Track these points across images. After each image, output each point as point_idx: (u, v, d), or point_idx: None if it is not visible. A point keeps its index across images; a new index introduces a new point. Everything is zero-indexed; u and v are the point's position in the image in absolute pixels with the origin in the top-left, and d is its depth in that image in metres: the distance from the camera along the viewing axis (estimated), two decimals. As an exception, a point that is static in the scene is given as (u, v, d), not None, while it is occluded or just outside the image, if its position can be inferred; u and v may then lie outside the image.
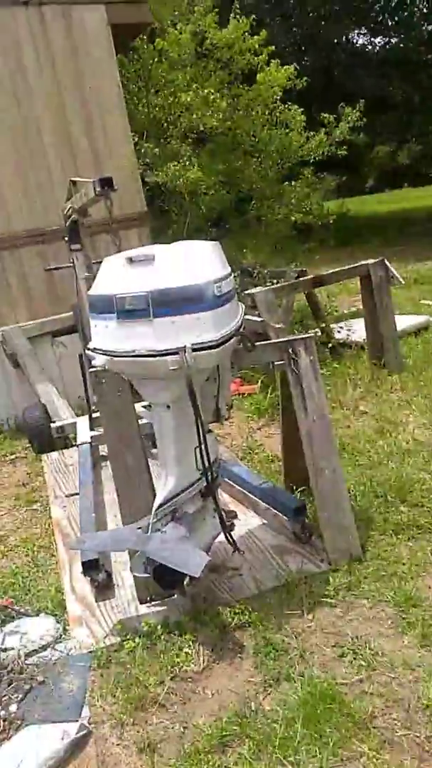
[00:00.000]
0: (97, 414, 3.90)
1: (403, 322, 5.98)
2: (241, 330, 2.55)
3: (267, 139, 7.68)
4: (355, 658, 2.24)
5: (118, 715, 2.13)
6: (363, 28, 20.87)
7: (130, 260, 2.35)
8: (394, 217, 19.60)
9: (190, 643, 2.38)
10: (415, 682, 2.12)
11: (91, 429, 4.34)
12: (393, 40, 20.55)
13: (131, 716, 2.11)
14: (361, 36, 21.67)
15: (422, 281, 8.74)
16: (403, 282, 6.43)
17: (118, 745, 2.03)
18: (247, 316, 4.19)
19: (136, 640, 2.42)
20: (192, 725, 2.05)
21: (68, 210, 4.17)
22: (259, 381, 5.06)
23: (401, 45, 19.81)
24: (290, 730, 1.96)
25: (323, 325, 5.79)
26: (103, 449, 4.01)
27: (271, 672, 2.21)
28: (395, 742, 1.92)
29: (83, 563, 2.74)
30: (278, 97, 7.79)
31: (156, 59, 8.52)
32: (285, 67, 8.04)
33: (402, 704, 2.04)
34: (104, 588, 2.78)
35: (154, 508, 2.48)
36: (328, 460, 2.79)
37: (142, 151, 6.74)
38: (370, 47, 21.70)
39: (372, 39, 21.70)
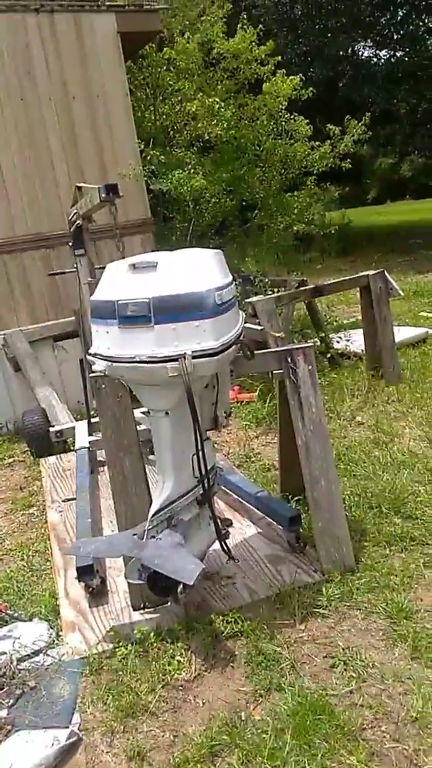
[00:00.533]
0: (96, 419, 3.89)
1: (402, 333, 5.99)
2: (241, 338, 2.55)
3: (271, 149, 7.70)
4: (346, 669, 2.24)
5: (108, 722, 2.12)
6: (369, 41, 20.99)
7: (133, 266, 2.36)
8: (396, 228, 19.66)
9: (182, 651, 2.38)
10: (405, 694, 2.12)
11: (90, 434, 4.34)
12: (398, 54, 20.66)
13: (122, 724, 2.11)
14: (367, 48, 21.80)
15: (422, 293, 8.75)
16: (402, 294, 6.44)
17: (107, 752, 2.02)
18: (247, 325, 4.21)
19: (129, 647, 2.41)
20: (182, 734, 2.05)
21: (73, 215, 4.19)
22: (258, 389, 5.06)
23: (406, 59, 19.92)
24: (280, 741, 1.96)
25: (322, 334, 5.80)
26: (102, 454, 4.01)
27: (262, 682, 2.21)
28: (383, 754, 1.92)
29: (78, 569, 2.74)
30: (283, 107, 7.82)
31: (164, 68, 8.57)
32: (291, 77, 8.07)
33: (391, 717, 2.04)
34: (98, 594, 2.78)
35: (149, 515, 2.48)
36: (324, 470, 2.79)
37: (148, 158, 6.76)
38: (375, 60, 21.83)
39: (377, 52, 21.85)
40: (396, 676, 2.18)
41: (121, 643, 2.45)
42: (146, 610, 2.63)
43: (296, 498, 3.20)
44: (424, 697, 2.07)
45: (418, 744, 1.94)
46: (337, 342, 5.87)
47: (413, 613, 2.47)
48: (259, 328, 4.71)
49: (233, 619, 2.49)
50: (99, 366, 2.46)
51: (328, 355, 5.64)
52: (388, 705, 2.08)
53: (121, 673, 2.31)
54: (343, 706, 2.09)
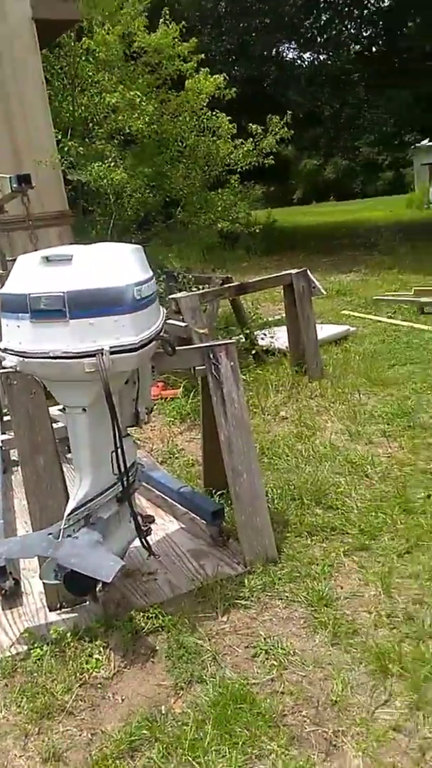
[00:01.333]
0: (9, 417, 3.79)
1: (325, 331, 6.20)
2: (162, 334, 2.57)
3: (194, 145, 7.78)
4: (267, 658, 2.30)
5: (22, 725, 2.08)
6: (293, 42, 21.58)
7: (47, 259, 2.33)
8: (320, 229, 20.27)
9: (101, 649, 2.36)
10: (325, 679, 2.19)
11: (3, 432, 4.22)
12: (322, 57, 21.36)
13: (36, 725, 2.07)
14: (291, 50, 22.42)
15: (344, 292, 9.08)
16: (325, 293, 6.67)
17: (21, 756, 1.98)
18: (171, 321, 4.24)
19: (44, 647, 2.37)
20: (100, 731, 2.03)
21: (-17, 205, 4.07)
22: (182, 385, 5.09)
23: (329, 62, 20.63)
24: (200, 732, 1.98)
25: (247, 331, 5.91)
26: (15, 453, 3.91)
27: (183, 675, 2.23)
28: (304, 738, 1.98)
29: (-10, 571, 2.67)
30: (205, 104, 7.92)
31: (83, 58, 8.46)
32: (214, 76, 8.19)
33: (311, 702, 2.10)
34: (12, 596, 2.71)
35: (66, 514, 2.45)
36: (247, 464, 2.85)
37: (66, 149, 6.66)
38: (299, 62, 22.47)
39: (301, 54, 22.49)
40: (316, 663, 2.26)
41: (36, 644, 2.40)
42: (63, 610, 2.59)
43: (219, 492, 3.24)
44: (343, 682, 2.15)
45: (337, 726, 2.01)
46: (262, 339, 6.00)
47: (333, 600, 2.56)
48: (183, 324, 4.75)
49: (154, 615, 2.50)
50: (10, 362, 2.40)
51: (253, 352, 5.75)
52: (309, 690, 2.15)
53: (35, 674, 2.27)
54: (264, 693, 2.14)
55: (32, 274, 2.34)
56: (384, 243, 13.90)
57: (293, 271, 5.50)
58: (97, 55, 7.99)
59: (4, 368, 2.45)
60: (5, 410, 4.04)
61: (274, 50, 21.52)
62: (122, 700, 2.16)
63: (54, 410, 2.59)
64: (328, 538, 3.00)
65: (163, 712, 2.08)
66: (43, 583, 2.52)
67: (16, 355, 2.36)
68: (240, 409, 2.85)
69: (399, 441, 4.00)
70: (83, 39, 8.08)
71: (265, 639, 2.38)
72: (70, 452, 2.69)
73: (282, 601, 2.59)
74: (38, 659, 2.33)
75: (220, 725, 2.00)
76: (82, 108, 8.28)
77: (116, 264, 2.32)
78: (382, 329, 6.81)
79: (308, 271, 5.57)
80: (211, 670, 2.24)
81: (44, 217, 5.73)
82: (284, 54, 22.64)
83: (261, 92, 18.91)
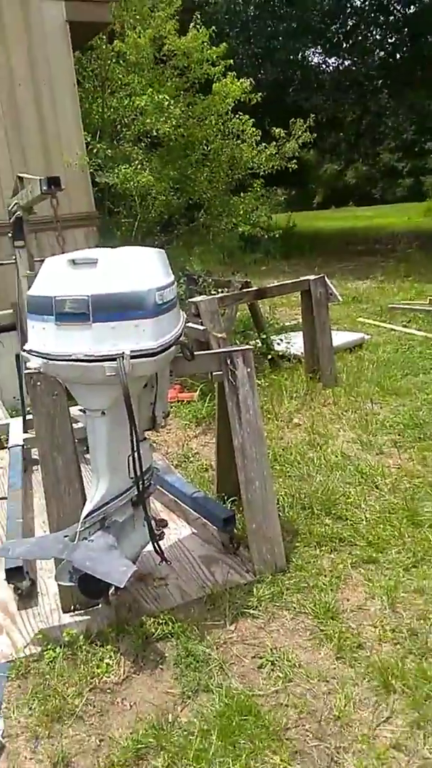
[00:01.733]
0: (31, 416, 3.80)
1: (340, 338, 6.13)
2: (182, 339, 2.54)
3: (219, 149, 7.71)
4: (273, 670, 2.27)
5: (33, 727, 2.07)
6: (318, 47, 21.31)
7: (73, 262, 2.31)
8: (338, 234, 20.09)
9: (112, 653, 2.35)
10: (329, 693, 2.16)
11: (25, 431, 4.22)
12: (346, 62, 21.07)
13: (47, 729, 2.06)
14: (317, 55, 22.12)
15: (360, 299, 8.97)
16: (341, 300, 6.60)
17: (31, 759, 1.97)
18: (189, 324, 4.20)
19: (57, 649, 2.36)
20: (108, 737, 2.02)
21: (13, 206, 4.06)
22: (199, 389, 5.06)
23: (353, 68, 20.35)
24: (206, 742, 1.96)
25: (264, 336, 5.86)
26: (35, 452, 3.91)
27: (190, 683, 2.21)
28: (306, 752, 1.95)
29: (7, 570, 2.66)
30: (230, 108, 7.85)
31: (114, 60, 8.41)
32: (241, 80, 8.09)
33: (315, 716, 2.08)
34: (27, 596, 2.71)
35: (82, 516, 2.44)
36: (259, 472, 2.81)
37: (95, 151, 6.63)
38: (324, 67, 22.19)
39: (326, 59, 22.19)
40: (321, 676, 2.23)
41: (49, 646, 2.39)
42: (76, 612, 2.58)
43: (232, 499, 3.21)
44: (346, 696, 2.12)
45: (339, 741, 1.98)
46: (278, 344, 5.95)
47: (339, 613, 2.53)
48: (202, 328, 4.71)
49: (164, 621, 2.48)
50: (34, 363, 2.40)
51: (269, 357, 5.70)
52: (312, 704, 2.12)
53: (48, 676, 2.26)
54: (268, 706, 2.12)
55: (59, 277, 2.33)
56: (401, 250, 13.73)
57: (311, 278, 5.43)
58: (127, 57, 7.94)
59: (29, 369, 2.44)
60: (28, 409, 4.04)
61: (300, 54, 21.29)
62: (130, 706, 2.15)
63: (74, 410, 2.58)
64: (337, 549, 2.96)
65: (170, 720, 2.06)
66: (58, 585, 2.51)
67: (41, 356, 2.36)
68: (254, 416, 2.81)
69: (409, 452, 3.94)
70: (115, 42, 8.03)
71: (271, 650, 2.36)
72: (88, 452, 2.67)
73: (289, 612, 2.56)
74: (51, 661, 2.33)
75: (224, 736, 1.98)
76: (112, 110, 8.23)
77: (139, 268, 2.30)
78: (396, 338, 6.72)
79: (326, 278, 5.50)
80: (218, 679, 2.22)
81: (71, 219, 5.71)
82: (309, 59, 22.39)
83: (285, 97, 18.73)
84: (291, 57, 20.22)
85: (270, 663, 2.30)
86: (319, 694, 2.16)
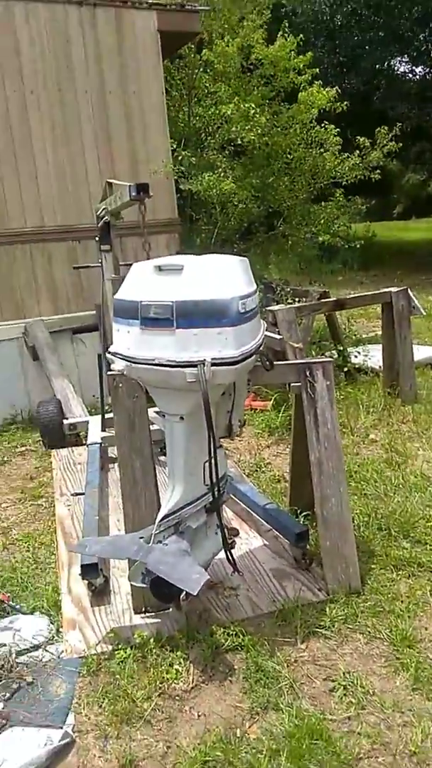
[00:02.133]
0: (110, 415, 3.87)
1: (421, 352, 5.92)
2: (261, 348, 2.52)
3: (302, 158, 7.66)
4: (345, 694, 2.19)
5: (102, 726, 2.09)
6: (405, 56, 20.83)
7: (159, 268, 2.34)
8: (419, 245, 19.50)
9: (181, 660, 2.34)
10: (404, 726, 2.06)
11: (103, 429, 4.31)
12: (435, 70, 20.48)
13: (116, 729, 2.07)
14: (403, 63, 21.64)
15: (443, 313, 8.65)
16: (425, 313, 6.37)
17: (100, 757, 1.99)
18: (266, 333, 4.17)
19: (128, 650, 2.38)
20: (176, 745, 2.01)
21: (101, 211, 4.17)
22: (273, 398, 5.01)
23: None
24: (274, 762, 1.92)
25: (341, 348, 5.75)
26: (113, 451, 3.99)
27: (259, 699, 2.17)
28: (379, 786, 1.88)
29: (82, 566, 2.71)
30: (314, 117, 7.78)
31: (201, 69, 8.54)
32: (327, 89, 8.01)
33: (389, 748, 1.99)
34: (101, 593, 2.75)
35: (158, 519, 2.45)
36: (336, 488, 2.74)
37: (179, 158, 6.73)
38: (411, 75, 21.67)
39: (413, 68, 21.66)
40: (396, 706, 2.13)
41: (120, 646, 2.41)
42: (147, 614, 2.59)
43: (305, 513, 3.15)
44: (423, 731, 2.02)
45: (415, 778, 1.89)
46: (355, 356, 5.82)
47: (417, 641, 2.42)
48: (279, 337, 4.67)
49: (234, 632, 2.45)
50: (118, 365, 2.44)
51: (345, 369, 5.58)
52: (387, 736, 2.03)
53: (118, 676, 2.27)
54: (340, 732, 2.04)
55: (145, 282, 2.36)
56: None
57: (393, 289, 5.28)
58: (215, 66, 8.03)
59: (112, 371, 2.48)
60: (107, 408, 4.13)
61: (386, 63, 20.88)
62: (198, 716, 2.12)
63: (151, 412, 2.60)
64: (415, 574, 2.84)
65: (238, 735, 2.03)
66: (131, 585, 2.53)
67: (124, 359, 2.39)
68: (332, 431, 2.75)
69: None
70: (203, 50, 8.14)
71: (344, 674, 2.28)
72: (162, 455, 2.68)
73: (363, 636, 2.47)
74: (121, 661, 2.34)
75: (294, 758, 1.93)
76: (197, 118, 8.35)
77: (224, 276, 2.29)
78: None
79: (408, 290, 5.34)
80: (288, 698, 2.17)
81: (155, 224, 5.81)
82: (395, 67, 21.92)
83: (369, 106, 18.41)
84: (377, 66, 19.89)
85: (342, 687, 2.22)
86: (394, 726, 2.07)
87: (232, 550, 2.65)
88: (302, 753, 1.94)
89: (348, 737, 2.02)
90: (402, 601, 2.65)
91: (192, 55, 8.71)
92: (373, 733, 2.04)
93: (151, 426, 2.62)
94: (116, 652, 2.39)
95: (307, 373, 2.73)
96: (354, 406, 4.91)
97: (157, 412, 2.60)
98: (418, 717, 2.08)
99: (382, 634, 2.47)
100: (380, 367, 5.39)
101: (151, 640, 2.41)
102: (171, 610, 2.54)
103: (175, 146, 6.94)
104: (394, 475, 3.76)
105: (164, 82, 6.61)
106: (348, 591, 2.68)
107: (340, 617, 2.55)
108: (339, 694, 2.20)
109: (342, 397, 5.03)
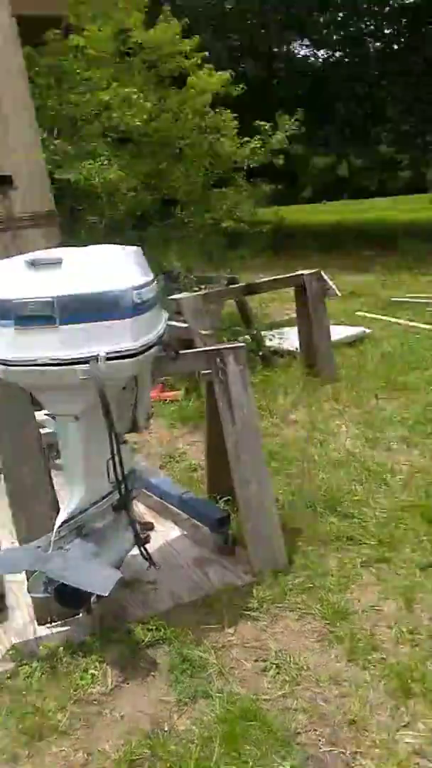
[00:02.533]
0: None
1: (338, 332, 6.19)
2: (164, 338, 2.56)
3: (197, 143, 7.88)
4: (278, 673, 2.26)
5: (10, 748, 2.04)
6: (306, 39, 21.84)
7: (32, 263, 2.33)
8: (332, 228, 20.26)
9: (97, 663, 2.32)
10: (342, 697, 2.15)
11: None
12: (337, 54, 21.58)
13: (26, 748, 2.03)
14: (304, 47, 22.69)
15: (358, 293, 9.06)
16: (340, 294, 6.66)
17: (10, 781, 1.94)
18: (171, 322, 4.23)
19: (34, 664, 2.34)
20: (97, 751, 1.99)
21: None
22: (183, 388, 5.09)
23: (346, 59, 20.85)
24: (207, 750, 1.94)
25: (254, 332, 5.91)
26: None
27: (186, 690, 2.19)
28: (319, 758, 1.94)
29: (-27, 586, 2.64)
30: (208, 103, 8.03)
31: (72, 55, 8.58)
32: (220, 73, 8.30)
33: (327, 720, 2.06)
34: (-3, 611, 2.68)
35: (56, 525, 2.43)
36: (255, 473, 2.83)
37: (51, 147, 6.71)
38: (312, 59, 22.72)
39: (315, 51, 22.72)
40: (332, 679, 2.22)
41: (24, 661, 2.36)
42: (54, 623, 2.56)
43: (225, 499, 3.21)
44: (361, 700, 2.11)
45: (356, 747, 1.97)
46: (270, 339, 6.01)
47: (350, 613, 2.52)
48: (184, 325, 4.75)
49: (154, 626, 2.47)
50: None
51: (260, 353, 5.75)
52: (324, 708, 2.11)
53: (24, 692, 2.23)
54: (275, 710, 2.10)
55: (17, 279, 2.33)
56: (404, 243, 13.86)
57: (305, 272, 5.51)
58: (87, 52, 8.09)
59: None
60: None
61: (285, 47, 21.80)
62: (121, 717, 2.12)
63: (41, 415, 2.59)
64: (344, 548, 2.96)
65: (166, 729, 2.04)
66: (31, 597, 2.49)
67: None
68: (249, 415, 2.83)
69: (421, 449, 3.97)
70: (71, 36, 8.18)
71: (276, 653, 2.34)
72: (58, 458, 2.66)
73: (294, 613, 2.55)
74: (27, 677, 2.29)
75: (228, 743, 1.96)
76: (70, 106, 8.37)
77: (113, 267, 2.31)
78: (401, 332, 6.79)
79: (322, 272, 5.58)
80: (218, 684, 2.21)
81: (29, 218, 5.73)
82: (296, 51, 22.93)
83: (268, 91, 19.14)
84: (275, 49, 20.74)
85: (275, 666, 2.29)
86: (331, 698, 2.15)
87: (147, 545, 2.67)
88: (236, 736, 1.98)
89: (284, 714, 2.08)
90: (333, 576, 2.75)
91: (59, 41, 8.73)
92: (309, 707, 2.11)
93: (42, 430, 2.60)
94: (20, 668, 2.34)
95: (218, 360, 2.80)
96: (271, 389, 5.06)
97: (47, 415, 2.58)
98: (356, 687, 2.17)
99: (313, 609, 2.55)
100: (296, 348, 5.60)
101: (60, 649, 2.38)
102: (81, 615, 2.52)
103: (44, 135, 6.92)
104: (318, 453, 3.91)
105: (28, 69, 6.58)
106: (274, 570, 2.75)
107: (269, 597, 2.62)
108: (272, 674, 2.26)
109: (258, 380, 5.15)
